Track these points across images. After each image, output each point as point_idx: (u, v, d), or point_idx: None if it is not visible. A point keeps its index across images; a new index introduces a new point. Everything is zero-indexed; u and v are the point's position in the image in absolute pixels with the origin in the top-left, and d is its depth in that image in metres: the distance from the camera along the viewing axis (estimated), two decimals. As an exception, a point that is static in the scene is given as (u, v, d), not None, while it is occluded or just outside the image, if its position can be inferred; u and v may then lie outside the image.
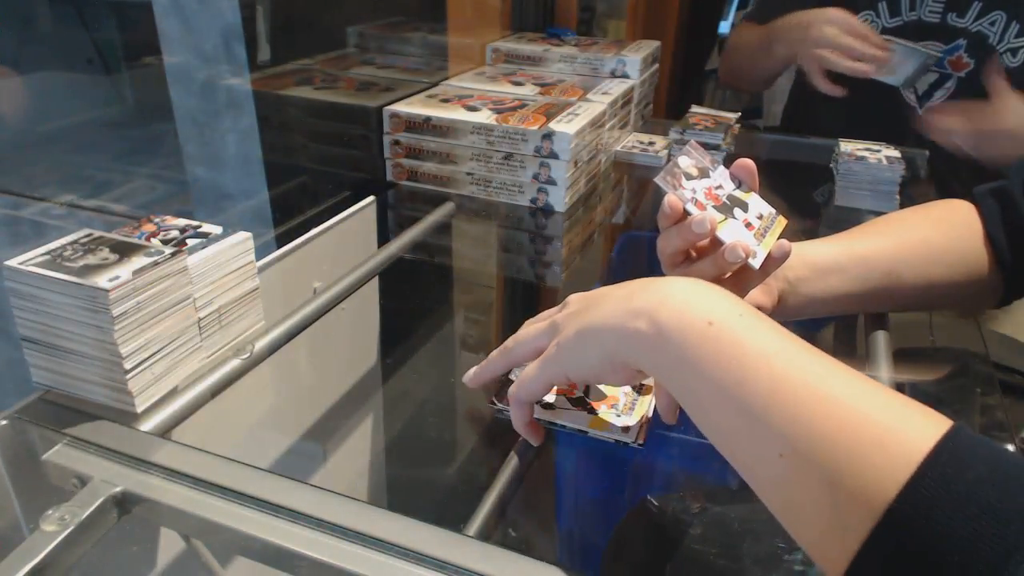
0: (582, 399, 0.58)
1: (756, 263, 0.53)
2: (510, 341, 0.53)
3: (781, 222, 0.58)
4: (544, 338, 0.50)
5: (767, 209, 0.58)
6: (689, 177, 0.55)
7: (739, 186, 0.58)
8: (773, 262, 0.55)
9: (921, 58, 1.10)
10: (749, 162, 0.57)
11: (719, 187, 0.56)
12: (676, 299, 0.41)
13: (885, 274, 0.62)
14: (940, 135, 1.09)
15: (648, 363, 0.42)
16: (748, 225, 0.55)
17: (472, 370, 0.57)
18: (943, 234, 0.65)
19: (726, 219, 0.54)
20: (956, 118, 1.07)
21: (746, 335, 0.38)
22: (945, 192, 1.16)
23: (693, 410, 0.40)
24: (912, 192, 1.06)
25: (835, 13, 1.11)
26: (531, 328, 0.52)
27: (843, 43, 1.10)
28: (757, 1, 1.42)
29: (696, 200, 0.54)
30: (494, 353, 0.55)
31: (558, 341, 0.47)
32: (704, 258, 0.55)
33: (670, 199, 0.53)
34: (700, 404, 0.39)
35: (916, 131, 1.13)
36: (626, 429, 0.56)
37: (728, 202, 0.56)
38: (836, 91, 1.13)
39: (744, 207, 0.56)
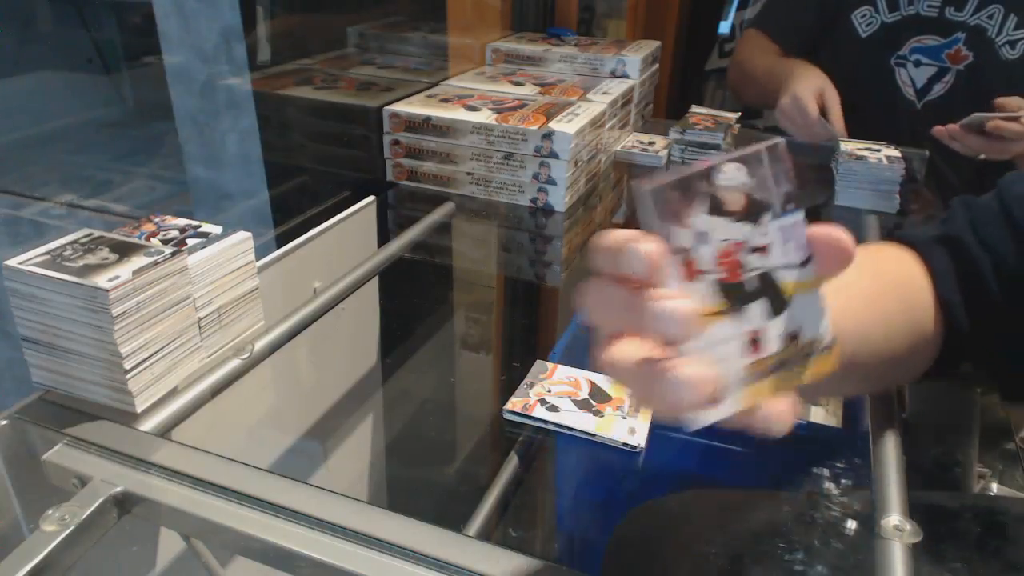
0: (587, 401, 0.58)
1: (702, 419, 0.29)
2: None
3: (822, 363, 0.32)
4: None
5: (819, 332, 0.31)
6: (717, 210, 0.30)
7: (802, 265, 0.31)
8: (759, 420, 0.31)
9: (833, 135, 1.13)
10: (843, 237, 0.31)
11: (761, 250, 0.30)
12: None
13: (848, 358, 0.38)
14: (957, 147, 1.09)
15: None
16: (754, 344, 0.30)
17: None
18: (898, 299, 0.49)
19: (723, 313, 0.30)
20: (975, 142, 1.07)
21: None
22: (946, 192, 1.16)
23: None
24: (912, 191, 1.06)
25: (793, 94, 1.14)
26: None
27: (789, 124, 1.17)
28: (762, 9, 1.42)
29: (691, 260, 0.29)
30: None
31: None
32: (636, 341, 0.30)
33: (641, 242, 0.28)
34: None
35: (928, 135, 1.13)
36: (632, 431, 0.55)
37: (755, 284, 0.31)
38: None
39: (778, 306, 0.31)
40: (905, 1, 1.20)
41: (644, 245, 0.27)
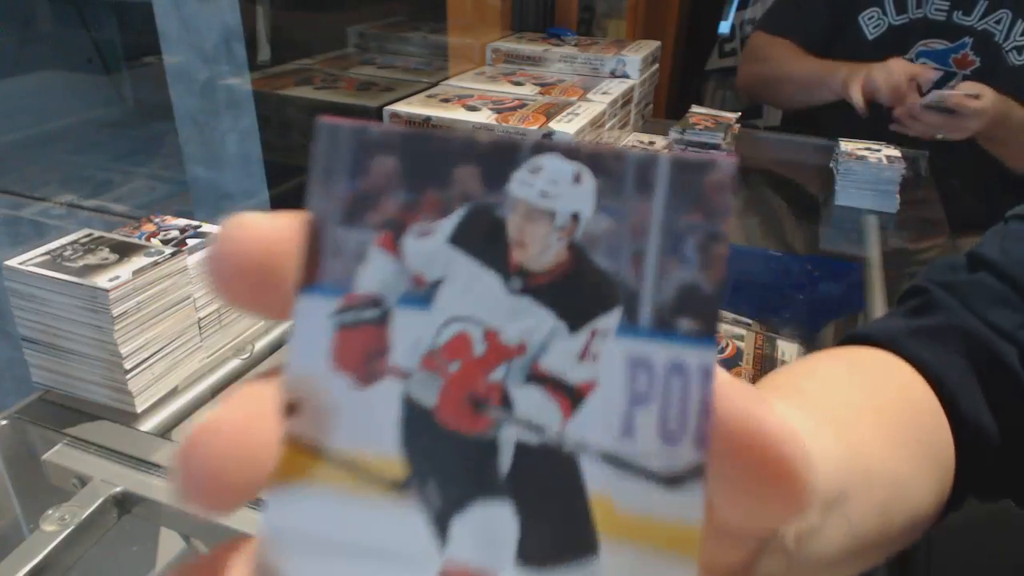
0: None
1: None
2: None
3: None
4: None
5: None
6: (475, 244, 0.16)
7: (670, 480, 0.14)
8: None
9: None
10: (788, 445, 0.15)
11: (557, 388, 0.15)
12: None
13: (880, 510, 0.30)
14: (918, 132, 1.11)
15: None
16: None
17: None
18: (914, 425, 0.35)
19: (389, 487, 0.15)
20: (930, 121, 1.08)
21: None
22: (948, 191, 1.16)
23: None
24: (912, 192, 1.06)
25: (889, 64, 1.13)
26: None
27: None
28: (770, 13, 1.42)
29: (368, 327, 0.15)
30: None
31: None
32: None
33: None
34: None
35: (897, 131, 1.14)
36: None
37: (504, 461, 0.15)
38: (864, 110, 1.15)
39: (554, 548, 0.15)
40: (913, 4, 1.19)
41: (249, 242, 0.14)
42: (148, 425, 0.55)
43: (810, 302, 0.86)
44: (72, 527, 0.46)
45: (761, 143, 1.33)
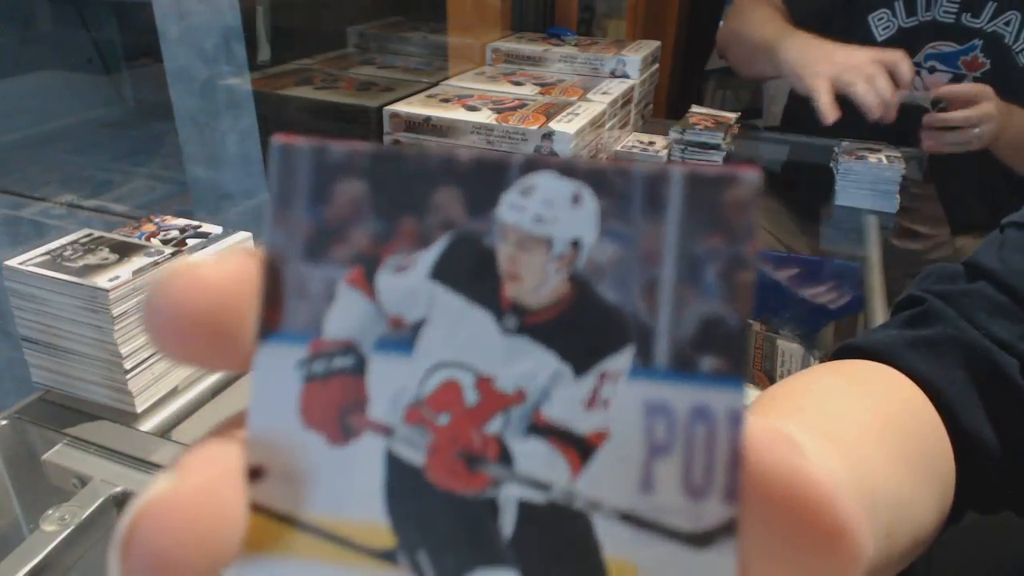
0: None
1: None
2: None
3: None
4: None
5: None
6: (461, 279, 0.15)
7: (697, 539, 0.13)
8: None
9: None
10: (837, 498, 0.12)
11: (563, 439, 0.14)
12: None
13: (885, 534, 0.30)
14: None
15: None
16: None
17: None
18: (916, 438, 0.34)
19: (370, 557, 0.13)
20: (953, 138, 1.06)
21: None
22: (949, 191, 1.16)
23: None
24: (912, 192, 1.06)
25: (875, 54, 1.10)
26: None
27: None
28: None
29: (342, 378, 0.14)
30: None
31: None
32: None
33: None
34: None
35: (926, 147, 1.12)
36: None
37: (506, 526, 0.13)
38: (833, 115, 1.10)
39: None
40: (923, 6, 1.19)
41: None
42: (148, 425, 0.55)
43: (810, 303, 0.86)
44: (72, 527, 0.46)
45: (761, 143, 1.33)
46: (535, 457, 0.12)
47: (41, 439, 0.54)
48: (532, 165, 0.12)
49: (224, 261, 0.12)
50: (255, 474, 0.12)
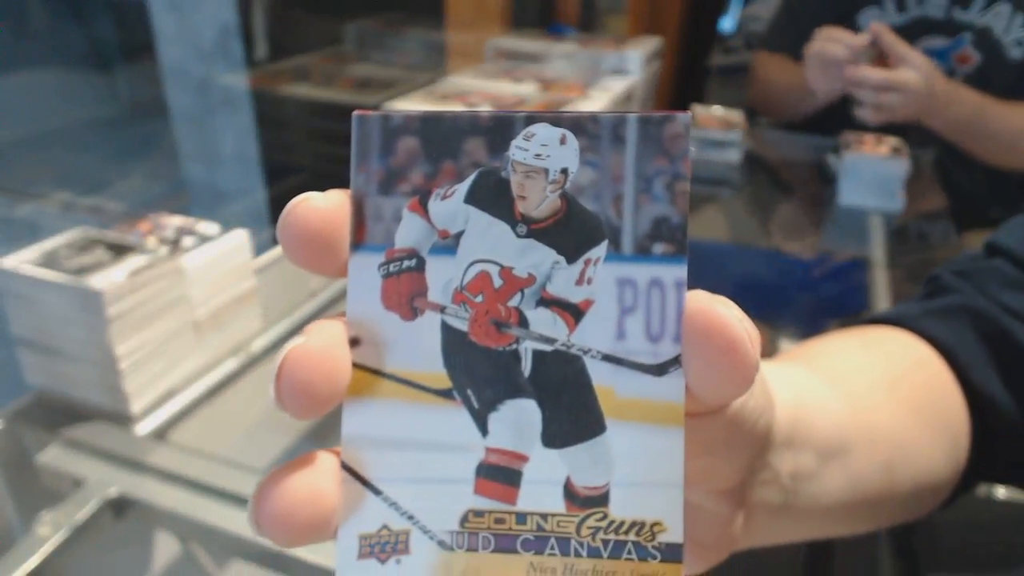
0: None
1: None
2: None
3: None
4: None
5: (657, 510, 0.18)
6: (487, 199, 0.21)
7: (659, 368, 0.19)
8: None
9: None
10: (735, 328, 0.18)
11: (564, 307, 0.20)
12: None
13: (883, 467, 0.32)
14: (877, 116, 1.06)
15: None
16: (489, 480, 0.18)
17: None
18: (925, 388, 0.36)
19: (436, 394, 0.20)
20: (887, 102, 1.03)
21: None
22: (955, 189, 1.15)
23: None
24: (917, 189, 1.05)
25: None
26: None
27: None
28: (771, 31, 1.41)
29: (405, 275, 0.20)
30: None
31: None
32: None
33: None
34: None
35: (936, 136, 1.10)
36: None
37: (526, 369, 0.19)
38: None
39: (569, 431, 0.19)
40: (913, 1, 1.19)
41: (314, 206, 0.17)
42: (144, 427, 0.55)
43: (813, 302, 0.86)
44: (67, 530, 0.45)
45: (763, 142, 1.32)
46: (543, 320, 0.17)
47: (35, 441, 0.53)
48: (531, 119, 0.17)
49: (327, 195, 0.17)
50: (353, 343, 0.17)
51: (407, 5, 1.29)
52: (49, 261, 0.53)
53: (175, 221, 0.62)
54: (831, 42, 1.07)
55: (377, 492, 0.17)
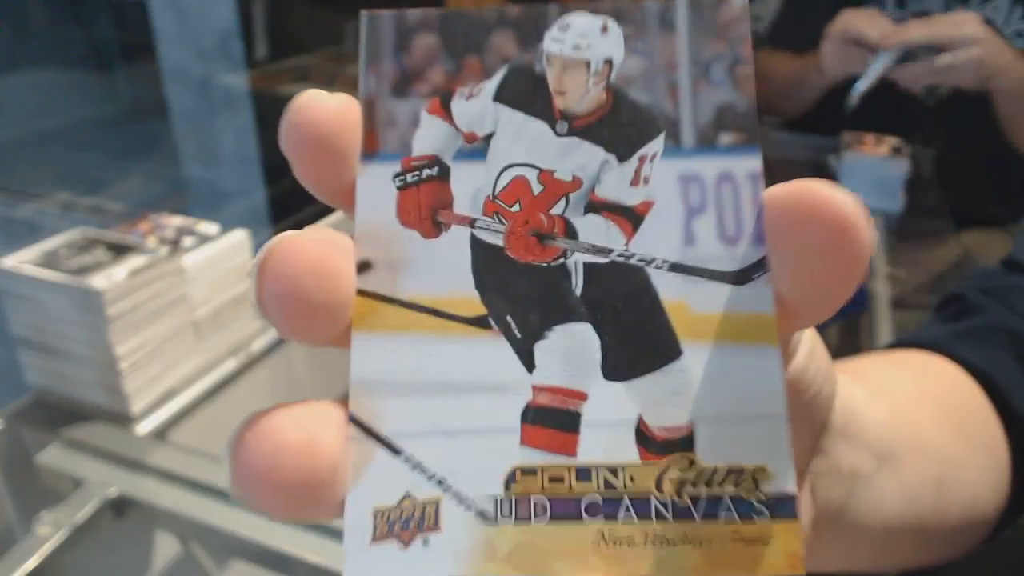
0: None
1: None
2: None
3: (783, 534, 0.14)
4: None
5: (764, 452, 0.14)
6: (520, 97, 0.19)
7: (738, 276, 0.16)
8: None
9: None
10: (848, 206, 0.14)
11: (617, 211, 0.17)
12: None
13: (935, 484, 0.29)
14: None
15: None
16: (536, 429, 0.15)
17: None
18: (970, 417, 0.34)
19: (471, 323, 0.17)
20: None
21: None
22: (956, 188, 1.15)
23: None
24: (917, 189, 1.05)
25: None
26: None
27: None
28: (774, 28, 1.41)
29: (430, 185, 0.18)
30: None
31: None
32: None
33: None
34: None
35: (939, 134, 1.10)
36: None
37: (578, 287, 0.16)
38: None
39: (634, 361, 0.16)
40: None
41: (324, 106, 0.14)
42: (144, 427, 0.55)
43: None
44: (67, 530, 0.45)
45: (763, 142, 1.32)
46: (594, 228, 0.14)
47: (35, 441, 0.53)
48: (565, 9, 0.15)
49: (333, 97, 0.14)
50: (363, 267, 0.14)
51: (407, 5, 1.29)
52: (49, 261, 0.53)
53: (175, 221, 0.62)
54: (862, 19, 1.05)
55: (396, 451, 0.13)
